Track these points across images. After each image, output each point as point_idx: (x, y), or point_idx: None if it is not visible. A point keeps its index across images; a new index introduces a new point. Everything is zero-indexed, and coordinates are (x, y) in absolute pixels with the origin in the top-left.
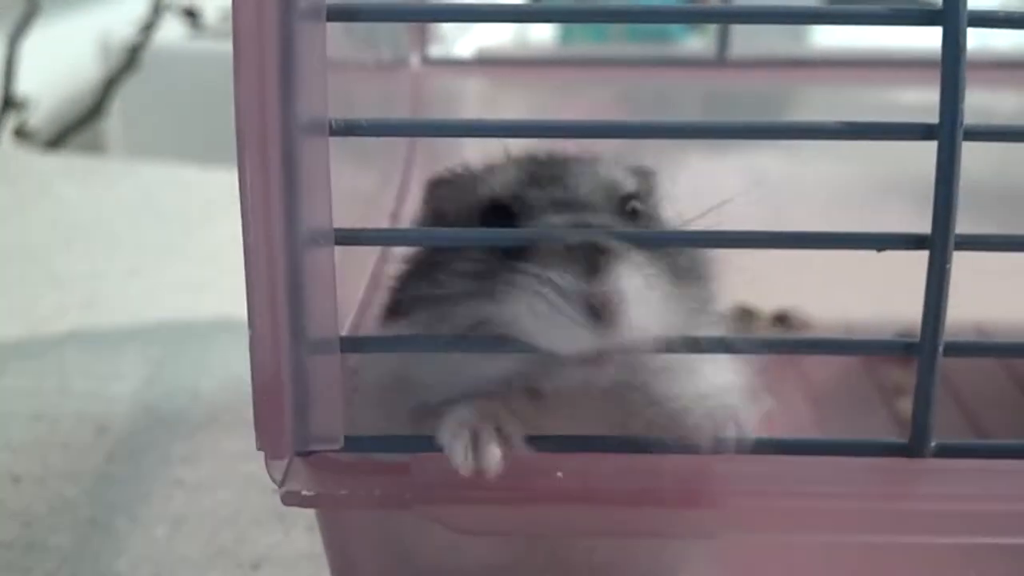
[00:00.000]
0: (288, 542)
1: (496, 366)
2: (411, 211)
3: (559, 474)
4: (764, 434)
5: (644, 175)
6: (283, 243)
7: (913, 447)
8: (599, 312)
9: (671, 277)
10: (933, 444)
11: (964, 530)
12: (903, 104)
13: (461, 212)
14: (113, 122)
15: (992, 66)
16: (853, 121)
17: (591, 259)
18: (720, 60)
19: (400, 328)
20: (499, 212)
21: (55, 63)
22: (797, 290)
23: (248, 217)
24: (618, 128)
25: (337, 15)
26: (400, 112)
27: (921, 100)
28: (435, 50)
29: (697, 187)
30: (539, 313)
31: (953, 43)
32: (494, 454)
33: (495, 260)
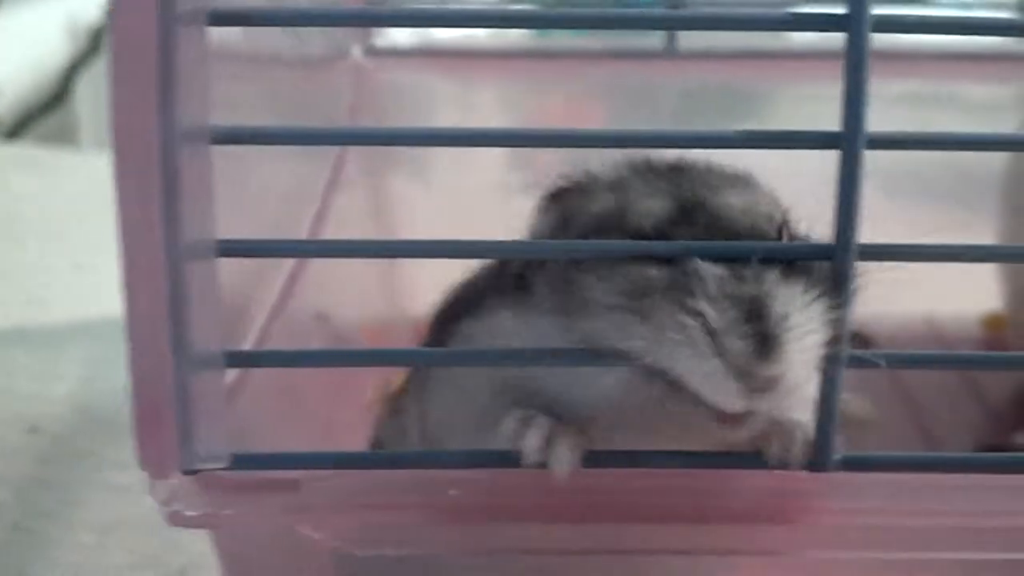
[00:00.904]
0: None
1: (612, 388)
2: (342, 206)
3: (452, 492)
4: None
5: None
6: (163, 256)
7: (816, 461)
8: (762, 386)
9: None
10: (837, 457)
11: (865, 545)
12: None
13: (589, 230)
14: (82, 108)
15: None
16: (754, 130)
17: (762, 330)
18: (670, 53)
19: (530, 311)
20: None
21: (21, 49)
22: None
23: (125, 229)
24: (514, 136)
25: (219, 20)
26: (339, 109)
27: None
28: (382, 40)
29: None
30: (701, 365)
31: (857, 49)
32: (565, 456)
33: (654, 286)
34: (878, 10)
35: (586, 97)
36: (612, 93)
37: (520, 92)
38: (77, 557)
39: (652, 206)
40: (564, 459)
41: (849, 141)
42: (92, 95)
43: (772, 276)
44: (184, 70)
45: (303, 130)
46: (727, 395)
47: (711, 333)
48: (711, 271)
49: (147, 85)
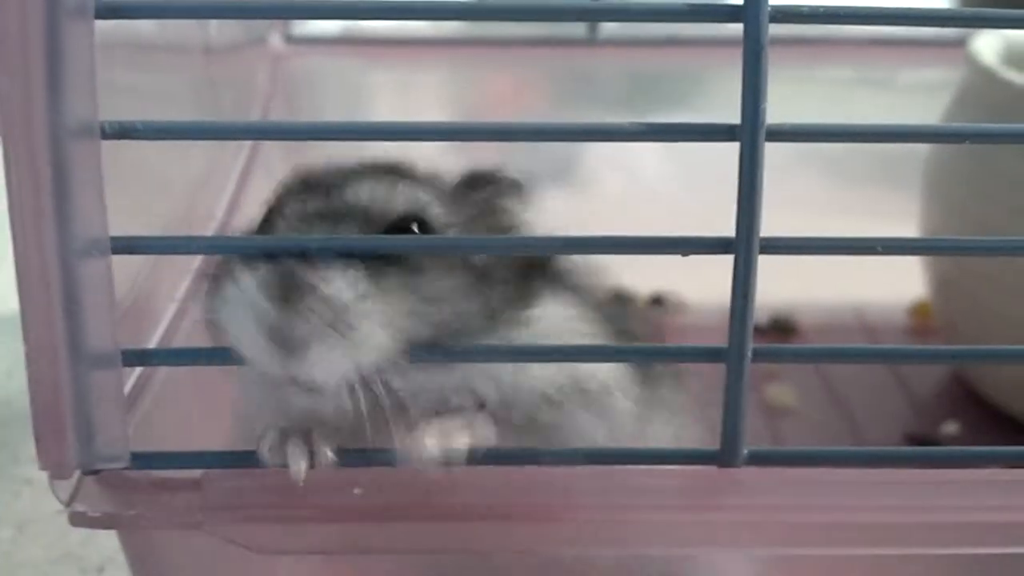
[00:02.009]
0: None
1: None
2: (261, 191)
3: (356, 491)
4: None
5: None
6: (56, 253)
7: (724, 456)
8: (285, 343)
9: (416, 291)
10: (745, 452)
11: (772, 541)
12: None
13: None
14: None
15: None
16: (653, 123)
17: (286, 284)
18: (591, 40)
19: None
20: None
21: None
22: (675, 273)
23: (18, 227)
24: (420, 130)
25: (106, 13)
26: (254, 96)
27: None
28: (300, 28)
29: (616, 161)
30: (241, 322)
31: (754, 40)
32: (297, 455)
33: (234, 264)
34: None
35: (516, 81)
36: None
37: (445, 78)
38: None
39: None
40: (297, 459)
41: (749, 133)
42: None
43: (327, 258)
44: (72, 64)
45: (196, 124)
46: (260, 354)
47: (249, 289)
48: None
49: (35, 82)
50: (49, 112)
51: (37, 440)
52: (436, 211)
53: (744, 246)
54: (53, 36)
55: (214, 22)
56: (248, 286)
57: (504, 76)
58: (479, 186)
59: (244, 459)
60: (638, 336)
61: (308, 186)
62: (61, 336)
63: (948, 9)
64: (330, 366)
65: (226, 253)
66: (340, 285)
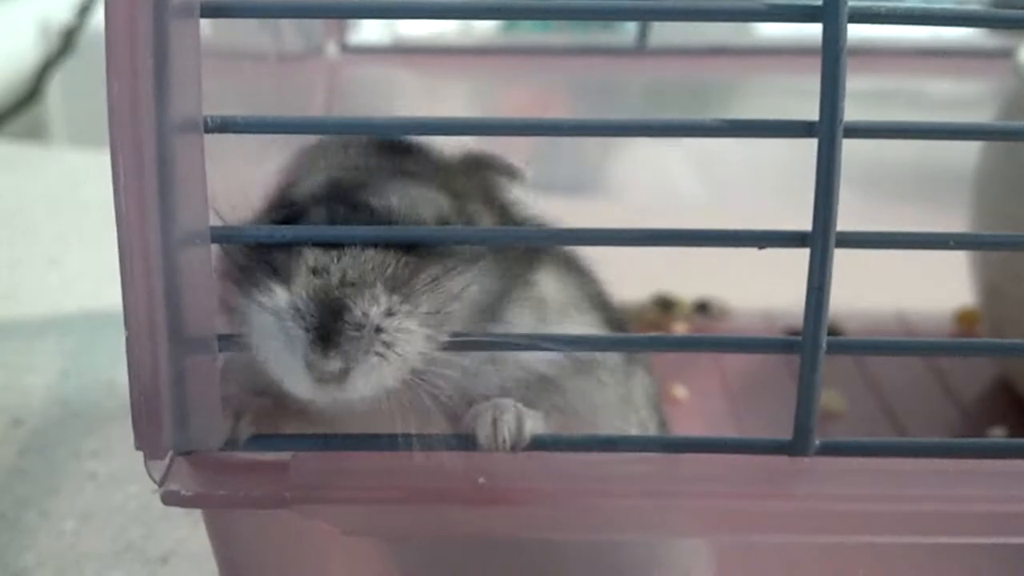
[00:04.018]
0: (196, 537)
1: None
2: None
3: (481, 480)
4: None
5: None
6: (159, 243)
7: (796, 446)
8: (327, 377)
9: (444, 287)
10: (817, 443)
11: (842, 530)
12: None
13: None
14: (52, 107)
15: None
16: (732, 119)
17: (321, 311)
18: (640, 49)
19: None
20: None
21: None
22: (718, 278)
23: (122, 218)
24: (480, 125)
25: (211, 12)
26: (313, 104)
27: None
28: (355, 37)
29: (644, 170)
30: (276, 351)
31: (833, 40)
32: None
33: (258, 263)
34: (852, 2)
35: (552, 91)
36: (579, 88)
37: (487, 86)
38: (59, 545)
39: (309, 182)
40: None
41: (827, 129)
42: (63, 94)
43: (368, 267)
44: (178, 62)
45: (293, 120)
46: (298, 383)
47: (279, 316)
48: (309, 255)
49: (142, 78)
50: (156, 108)
51: (135, 422)
52: (451, 209)
53: (820, 239)
54: (160, 35)
55: (287, 30)
56: (280, 311)
57: (550, 83)
58: (476, 169)
59: (332, 442)
60: (625, 322)
61: (334, 191)
62: (161, 322)
63: None
64: (371, 385)
65: (320, 242)
66: (372, 302)
